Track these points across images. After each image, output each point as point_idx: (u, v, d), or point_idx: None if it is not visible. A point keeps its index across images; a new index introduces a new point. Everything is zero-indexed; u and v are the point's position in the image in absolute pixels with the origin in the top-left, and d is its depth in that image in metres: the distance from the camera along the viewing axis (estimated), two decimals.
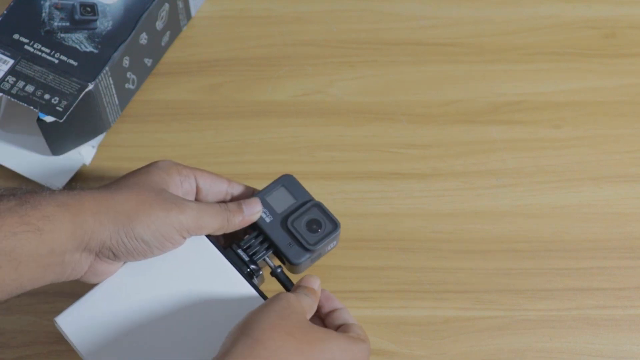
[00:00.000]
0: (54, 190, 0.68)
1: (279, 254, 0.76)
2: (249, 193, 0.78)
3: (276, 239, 0.75)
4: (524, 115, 0.90)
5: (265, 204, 0.76)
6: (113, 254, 0.68)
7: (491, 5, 0.96)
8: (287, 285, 0.75)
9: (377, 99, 0.91)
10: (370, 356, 0.78)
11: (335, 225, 0.75)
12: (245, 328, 0.65)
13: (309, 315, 0.70)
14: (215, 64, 0.93)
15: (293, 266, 0.75)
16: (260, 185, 0.79)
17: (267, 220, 0.75)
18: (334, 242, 0.77)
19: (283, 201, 0.76)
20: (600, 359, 0.79)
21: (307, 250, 0.75)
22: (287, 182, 0.77)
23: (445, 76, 0.92)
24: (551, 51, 0.93)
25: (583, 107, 0.90)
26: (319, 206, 0.76)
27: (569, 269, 0.82)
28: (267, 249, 0.76)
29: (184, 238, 0.70)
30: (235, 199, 0.77)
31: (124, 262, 0.72)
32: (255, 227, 0.76)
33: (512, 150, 0.88)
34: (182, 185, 0.73)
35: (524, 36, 0.94)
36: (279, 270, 0.78)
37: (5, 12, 0.86)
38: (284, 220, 0.75)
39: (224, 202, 0.75)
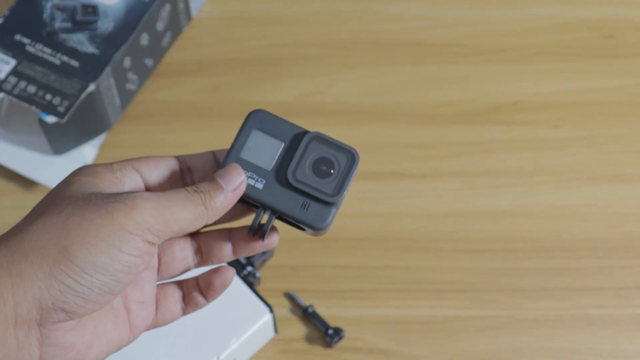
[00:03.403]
0: None
1: (294, 224, 0.55)
2: (210, 161, 0.55)
3: (283, 206, 0.53)
4: (523, 115, 0.90)
5: (245, 165, 0.54)
6: (64, 312, 0.46)
7: (491, 6, 0.96)
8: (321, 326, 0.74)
9: (377, 99, 0.91)
10: (370, 355, 0.78)
11: (350, 154, 0.54)
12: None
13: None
14: (216, 65, 0.93)
15: (320, 231, 0.54)
16: None
17: (259, 185, 0.53)
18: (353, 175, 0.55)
19: (267, 150, 0.54)
20: (599, 358, 0.79)
21: (329, 204, 0.54)
22: (260, 121, 0.55)
23: (445, 76, 0.92)
24: (550, 51, 0.93)
25: (582, 107, 0.90)
26: (319, 137, 0.54)
27: (568, 269, 0.82)
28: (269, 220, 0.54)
29: (152, 244, 0.48)
30: (196, 181, 0.54)
31: (94, 324, 0.49)
32: (246, 203, 0.54)
33: (511, 150, 0.88)
34: (123, 184, 0.51)
35: (523, 36, 0.94)
36: (310, 310, 0.79)
37: (7, 13, 0.86)
38: (282, 177, 0.54)
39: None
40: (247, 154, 0.54)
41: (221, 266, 0.54)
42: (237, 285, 0.74)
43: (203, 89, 0.92)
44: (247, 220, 0.55)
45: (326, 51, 0.94)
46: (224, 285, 0.54)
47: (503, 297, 0.81)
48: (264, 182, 0.53)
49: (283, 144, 0.54)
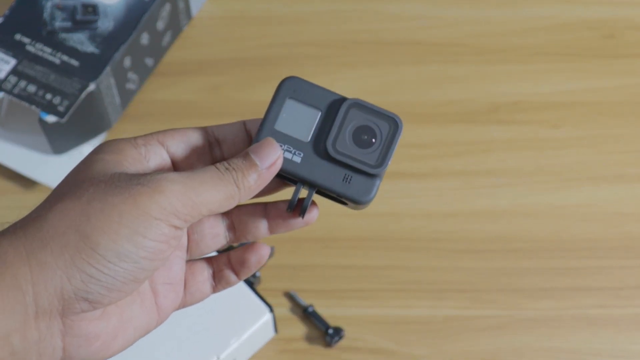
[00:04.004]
0: None
1: (335, 199, 0.52)
2: (240, 132, 0.51)
3: (324, 180, 0.50)
4: (523, 115, 0.90)
5: (281, 137, 0.50)
6: (88, 302, 0.44)
7: (491, 6, 0.96)
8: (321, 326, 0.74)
9: (377, 98, 0.91)
10: (370, 355, 0.78)
11: (393, 121, 0.52)
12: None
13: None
14: (216, 64, 0.93)
15: (364, 205, 0.51)
16: None
17: (297, 159, 0.50)
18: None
19: (303, 120, 0.51)
20: (599, 357, 0.79)
21: (373, 176, 0.51)
22: (294, 89, 0.52)
23: (445, 76, 0.92)
24: (550, 51, 0.93)
25: (582, 107, 0.90)
26: (358, 104, 0.51)
27: (568, 269, 0.82)
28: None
29: (178, 229, 0.45)
30: (226, 154, 0.51)
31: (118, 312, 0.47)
32: (284, 178, 0.51)
33: (511, 150, 0.88)
34: (148, 161, 0.48)
35: (523, 36, 0.94)
36: (310, 309, 0.79)
37: (7, 12, 0.87)
38: (321, 148, 0.50)
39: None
40: (281, 125, 0.50)
41: (256, 243, 0.51)
42: (237, 285, 0.74)
43: (203, 88, 0.92)
44: (282, 194, 0.53)
45: (326, 51, 0.94)
46: (259, 263, 0.51)
47: (503, 297, 0.81)
48: (302, 155, 0.50)
49: (320, 113, 0.51)
